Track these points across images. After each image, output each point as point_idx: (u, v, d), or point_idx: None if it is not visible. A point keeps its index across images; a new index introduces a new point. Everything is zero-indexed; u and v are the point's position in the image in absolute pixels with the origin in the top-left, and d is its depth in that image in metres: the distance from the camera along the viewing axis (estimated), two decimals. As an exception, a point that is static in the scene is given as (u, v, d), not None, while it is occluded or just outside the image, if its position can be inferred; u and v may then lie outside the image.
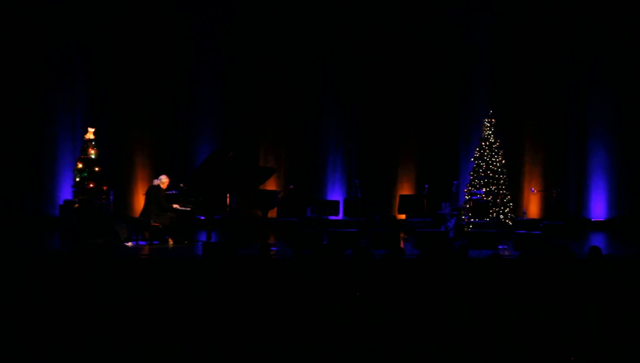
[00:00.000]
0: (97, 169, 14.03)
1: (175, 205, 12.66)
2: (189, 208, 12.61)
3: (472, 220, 13.71)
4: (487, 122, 14.67)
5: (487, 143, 14.59)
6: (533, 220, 14.44)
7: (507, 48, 15.88)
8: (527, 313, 7.31)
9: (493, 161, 14.47)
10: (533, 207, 15.96)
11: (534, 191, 15.16)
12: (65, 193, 15.17)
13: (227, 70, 15.90)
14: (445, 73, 15.88)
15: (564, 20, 15.85)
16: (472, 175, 14.64)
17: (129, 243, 12.57)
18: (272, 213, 13.89)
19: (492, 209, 14.08)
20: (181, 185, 13.05)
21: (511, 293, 7.56)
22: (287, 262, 8.58)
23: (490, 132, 14.63)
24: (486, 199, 14.15)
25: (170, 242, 12.63)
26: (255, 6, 15.82)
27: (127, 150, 15.87)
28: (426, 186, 14.21)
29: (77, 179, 13.99)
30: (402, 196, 14.53)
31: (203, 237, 13.07)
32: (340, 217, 14.33)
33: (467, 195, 14.48)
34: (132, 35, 15.66)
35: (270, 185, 14.82)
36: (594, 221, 16.01)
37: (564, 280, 7.86)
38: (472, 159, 14.74)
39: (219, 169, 12.48)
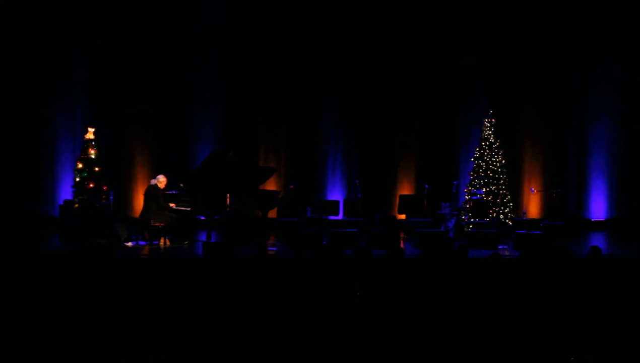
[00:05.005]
0: (97, 168, 14.03)
1: (172, 205, 12.65)
2: (188, 208, 12.60)
3: (472, 220, 13.71)
4: (487, 122, 14.67)
5: (487, 143, 14.58)
6: (533, 220, 14.43)
7: (507, 48, 15.87)
8: (527, 313, 7.32)
9: (493, 161, 14.47)
10: (533, 207, 15.95)
11: (534, 191, 15.17)
12: (65, 193, 15.16)
13: (228, 70, 15.89)
14: (445, 73, 15.87)
15: (564, 20, 15.83)
16: (472, 175, 14.64)
17: (129, 243, 12.56)
18: (272, 213, 13.89)
19: (492, 209, 14.08)
20: (181, 185, 13.04)
21: (511, 293, 7.57)
22: (287, 262, 8.56)
23: (490, 132, 14.63)
24: (486, 199, 14.15)
25: (167, 242, 12.60)
26: (255, 6, 15.82)
27: (127, 150, 15.86)
28: (426, 186, 14.22)
29: (77, 179, 13.99)
30: (402, 196, 14.53)
31: (203, 237, 13.06)
32: (340, 217, 14.34)
33: (467, 195, 14.48)
34: (132, 35, 15.67)
35: (270, 185, 14.80)
36: (594, 221, 15.99)
37: (564, 280, 7.85)
38: (472, 159, 14.74)
39: (219, 169, 12.47)
